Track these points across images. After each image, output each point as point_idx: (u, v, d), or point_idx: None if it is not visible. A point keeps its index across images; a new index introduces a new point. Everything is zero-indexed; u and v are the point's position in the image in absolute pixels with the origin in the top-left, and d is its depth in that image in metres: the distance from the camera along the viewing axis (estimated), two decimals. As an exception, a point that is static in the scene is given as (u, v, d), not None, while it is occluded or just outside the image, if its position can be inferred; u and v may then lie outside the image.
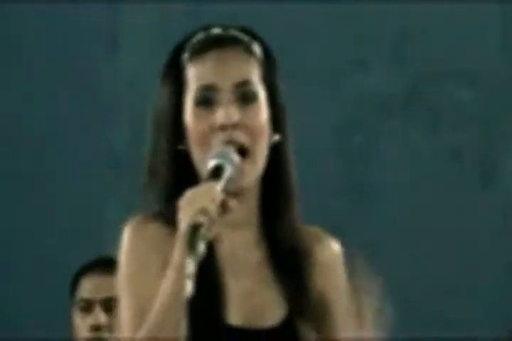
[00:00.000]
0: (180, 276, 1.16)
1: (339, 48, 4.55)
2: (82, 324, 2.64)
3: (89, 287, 2.73)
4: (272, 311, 1.32)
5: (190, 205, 1.18)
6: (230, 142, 1.28)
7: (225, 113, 1.29)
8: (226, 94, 1.31)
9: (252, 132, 1.31)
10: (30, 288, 4.08)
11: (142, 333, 1.21)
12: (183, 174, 1.33)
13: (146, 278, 1.28)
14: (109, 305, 2.63)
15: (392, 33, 4.52)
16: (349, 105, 4.46)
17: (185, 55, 1.34)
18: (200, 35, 1.35)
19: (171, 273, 1.20)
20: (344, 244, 1.39)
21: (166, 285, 1.20)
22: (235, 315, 1.29)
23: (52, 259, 4.16)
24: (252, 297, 1.33)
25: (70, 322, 2.78)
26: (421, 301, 4.01)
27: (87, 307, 2.64)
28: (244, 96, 1.32)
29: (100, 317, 2.61)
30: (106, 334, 2.60)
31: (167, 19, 4.52)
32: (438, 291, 4.11)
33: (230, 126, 1.28)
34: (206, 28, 1.37)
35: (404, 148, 4.38)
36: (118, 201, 4.06)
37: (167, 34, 4.38)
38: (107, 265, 2.71)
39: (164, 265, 1.23)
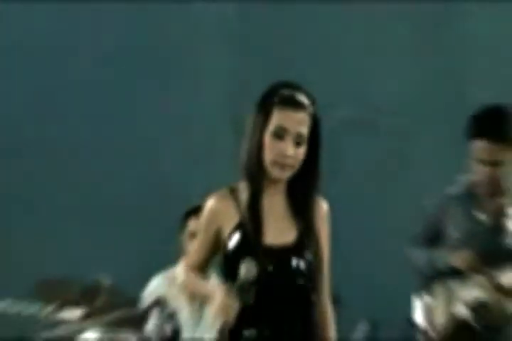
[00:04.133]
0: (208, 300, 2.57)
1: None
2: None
3: (194, 224, 4.45)
4: (289, 234, 2.58)
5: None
6: (283, 164, 2.55)
7: (289, 148, 2.54)
8: (290, 136, 2.54)
9: (296, 160, 2.56)
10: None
11: (187, 279, 2.67)
12: (259, 164, 2.60)
13: (204, 233, 2.63)
14: None
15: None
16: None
17: (274, 101, 2.55)
18: (285, 92, 2.57)
19: (207, 293, 2.58)
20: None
21: (204, 289, 2.61)
22: (269, 237, 2.55)
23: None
24: (279, 227, 2.59)
25: (180, 248, 4.46)
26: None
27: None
28: (298, 141, 2.55)
29: None
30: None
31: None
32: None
33: (288, 156, 2.53)
34: (286, 85, 2.59)
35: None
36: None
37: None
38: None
39: (215, 226, 2.57)
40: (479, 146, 3.80)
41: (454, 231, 3.96)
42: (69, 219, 5.95)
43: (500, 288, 3.77)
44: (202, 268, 2.78)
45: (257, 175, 2.68)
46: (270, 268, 2.63)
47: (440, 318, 3.83)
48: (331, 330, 2.80)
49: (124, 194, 5.80)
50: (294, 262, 2.64)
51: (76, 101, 6.37)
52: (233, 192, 2.68)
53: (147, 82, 6.10)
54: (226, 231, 2.65)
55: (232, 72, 5.57)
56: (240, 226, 2.64)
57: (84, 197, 6.22)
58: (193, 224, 4.60)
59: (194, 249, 2.79)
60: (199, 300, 3.21)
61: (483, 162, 3.85)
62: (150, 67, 6.15)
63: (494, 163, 3.84)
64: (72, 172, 5.97)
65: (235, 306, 2.49)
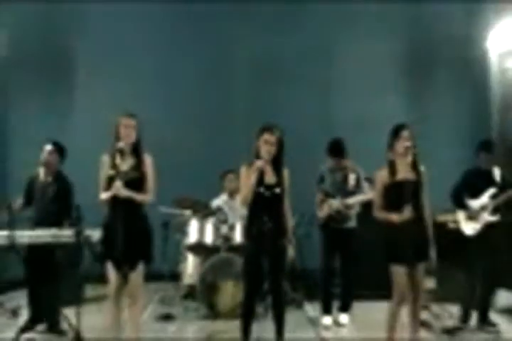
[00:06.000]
0: (255, 176, 6.42)
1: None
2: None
3: (228, 180, 9.26)
4: (273, 180, 6.43)
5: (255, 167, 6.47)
6: (269, 154, 6.38)
7: (268, 147, 6.35)
8: (271, 143, 6.35)
9: (271, 151, 6.39)
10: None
11: (243, 188, 6.48)
12: (258, 154, 6.42)
13: (244, 178, 6.46)
14: None
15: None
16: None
17: (261, 132, 6.39)
18: (266, 127, 6.40)
19: (253, 175, 6.41)
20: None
21: (252, 177, 6.36)
22: (266, 180, 6.41)
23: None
24: (269, 177, 6.41)
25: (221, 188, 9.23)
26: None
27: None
28: (271, 145, 6.33)
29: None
30: None
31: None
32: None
33: (268, 150, 6.40)
34: (268, 124, 6.42)
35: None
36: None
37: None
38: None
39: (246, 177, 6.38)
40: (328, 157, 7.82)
41: (326, 182, 8.01)
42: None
43: (345, 204, 7.90)
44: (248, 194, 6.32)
45: (258, 158, 6.28)
46: (267, 192, 6.28)
47: (325, 211, 7.90)
48: (289, 221, 6.42)
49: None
50: (276, 190, 6.33)
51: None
52: (251, 164, 6.32)
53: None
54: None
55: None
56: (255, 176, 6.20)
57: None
58: (228, 179, 9.20)
59: (243, 184, 6.31)
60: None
61: (331, 162, 7.83)
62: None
63: (336, 164, 7.85)
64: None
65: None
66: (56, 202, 7.44)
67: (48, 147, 7.54)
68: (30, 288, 7.46)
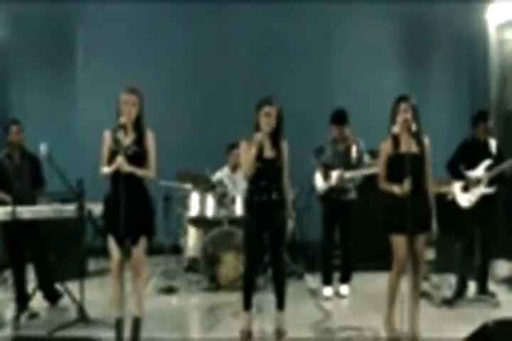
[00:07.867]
0: (254, 151, 6.38)
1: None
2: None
3: (233, 154, 9.17)
4: (272, 154, 6.41)
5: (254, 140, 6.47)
6: (269, 126, 6.37)
7: (268, 119, 6.36)
8: (268, 115, 6.36)
9: (271, 123, 6.38)
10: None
11: (244, 163, 6.42)
12: (258, 127, 6.43)
13: (244, 152, 6.41)
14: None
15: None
16: None
17: (261, 104, 6.40)
18: (265, 99, 6.40)
19: (253, 149, 6.36)
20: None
21: (252, 151, 6.32)
22: (265, 154, 6.38)
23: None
24: (268, 151, 6.40)
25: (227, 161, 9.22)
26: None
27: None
28: (269, 117, 6.34)
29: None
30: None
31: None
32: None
33: (268, 122, 6.38)
34: (266, 97, 6.42)
35: None
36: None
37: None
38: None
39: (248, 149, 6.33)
40: (331, 127, 7.93)
41: (327, 153, 8.04)
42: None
43: (342, 177, 7.94)
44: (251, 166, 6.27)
45: (258, 130, 6.33)
46: (267, 165, 6.26)
47: (325, 184, 8.03)
48: (289, 193, 6.46)
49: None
50: (275, 163, 6.34)
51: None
52: (250, 138, 6.34)
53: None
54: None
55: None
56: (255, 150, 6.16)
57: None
58: (232, 153, 9.17)
59: (243, 158, 6.32)
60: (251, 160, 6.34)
61: (334, 132, 7.92)
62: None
63: (339, 133, 7.90)
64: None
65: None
66: (31, 180, 7.56)
67: (14, 127, 7.57)
68: (14, 267, 7.50)
